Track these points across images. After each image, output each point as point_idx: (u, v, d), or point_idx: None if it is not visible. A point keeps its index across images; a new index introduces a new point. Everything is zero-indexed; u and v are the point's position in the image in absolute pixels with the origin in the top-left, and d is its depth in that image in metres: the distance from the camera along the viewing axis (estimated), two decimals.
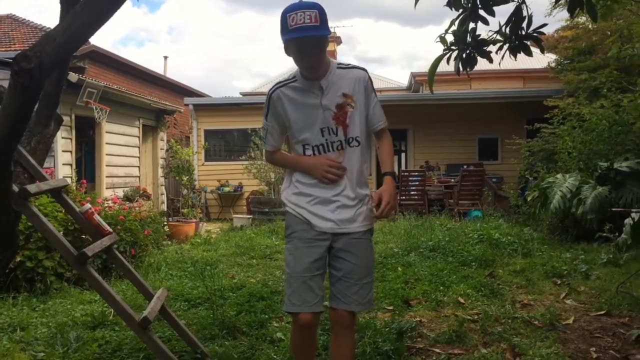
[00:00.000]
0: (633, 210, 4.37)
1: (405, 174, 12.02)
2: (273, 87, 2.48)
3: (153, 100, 12.30)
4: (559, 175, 7.70)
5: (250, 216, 11.31)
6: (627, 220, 4.11)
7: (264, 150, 2.62)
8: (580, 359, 3.31)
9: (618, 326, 3.91)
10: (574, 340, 3.63)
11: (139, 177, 11.79)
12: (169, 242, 8.55)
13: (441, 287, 5.02)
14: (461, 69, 3.62)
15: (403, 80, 25.98)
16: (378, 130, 2.55)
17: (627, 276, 4.92)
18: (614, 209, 5.36)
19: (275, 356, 3.32)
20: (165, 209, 12.21)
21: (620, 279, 4.92)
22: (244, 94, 22.87)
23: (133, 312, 2.91)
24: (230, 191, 13.48)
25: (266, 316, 4.13)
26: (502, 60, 3.57)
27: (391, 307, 4.41)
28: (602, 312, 4.22)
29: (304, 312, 2.36)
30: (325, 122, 2.41)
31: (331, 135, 2.43)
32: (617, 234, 5.23)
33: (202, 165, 13.81)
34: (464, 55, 3.59)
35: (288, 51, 2.35)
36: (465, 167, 12.26)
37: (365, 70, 2.51)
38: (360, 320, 3.82)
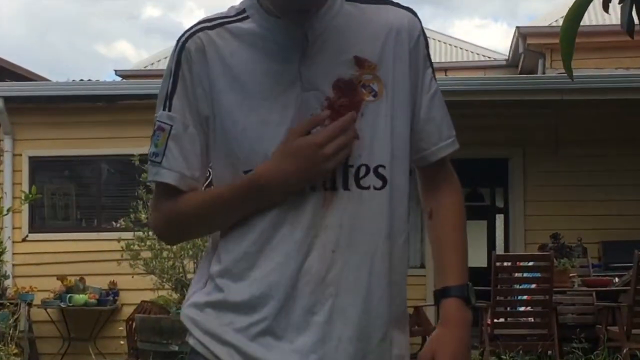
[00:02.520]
0: None
1: (506, 265, 7.17)
2: (191, 30, 1.26)
3: None
4: None
5: None
6: None
7: (154, 191, 1.29)
8: None
9: None
10: None
11: None
12: None
13: None
14: (636, 19, 2.82)
15: (498, 45, 19.54)
16: (436, 159, 1.31)
17: None
18: None
19: None
20: None
21: None
22: (124, 74, 13.43)
23: None
24: (90, 302, 8.43)
25: None
26: None
27: None
28: None
29: None
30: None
31: None
32: None
33: (24, 240, 8.68)
34: None
35: None
36: None
37: (415, 14, 1.32)
38: None
